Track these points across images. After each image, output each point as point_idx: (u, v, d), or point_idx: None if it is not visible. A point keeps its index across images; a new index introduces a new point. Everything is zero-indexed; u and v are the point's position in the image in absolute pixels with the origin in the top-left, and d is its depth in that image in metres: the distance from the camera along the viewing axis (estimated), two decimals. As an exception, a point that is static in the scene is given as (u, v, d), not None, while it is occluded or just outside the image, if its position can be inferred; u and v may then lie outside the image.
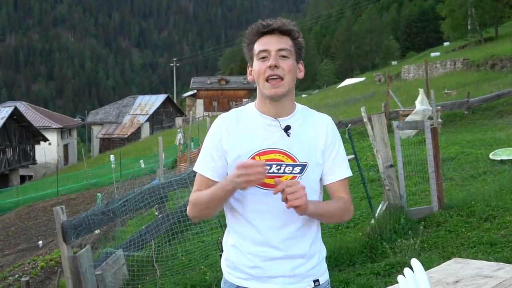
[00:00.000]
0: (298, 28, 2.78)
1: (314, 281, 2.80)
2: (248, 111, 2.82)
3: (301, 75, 2.80)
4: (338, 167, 2.81)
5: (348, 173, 2.84)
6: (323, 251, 2.89)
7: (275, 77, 2.66)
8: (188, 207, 2.85)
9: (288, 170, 2.69)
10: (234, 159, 2.69)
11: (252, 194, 2.69)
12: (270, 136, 2.71)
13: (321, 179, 2.81)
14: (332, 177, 2.80)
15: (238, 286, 2.79)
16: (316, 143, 2.77)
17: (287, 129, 2.72)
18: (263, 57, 2.69)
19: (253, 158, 2.68)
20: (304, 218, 2.73)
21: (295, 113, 2.78)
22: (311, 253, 2.79)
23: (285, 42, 2.71)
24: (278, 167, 2.68)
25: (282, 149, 2.70)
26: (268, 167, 2.65)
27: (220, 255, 2.94)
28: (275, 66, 2.65)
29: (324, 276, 2.86)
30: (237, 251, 2.78)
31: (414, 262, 2.26)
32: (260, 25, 2.72)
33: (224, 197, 2.67)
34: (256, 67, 2.72)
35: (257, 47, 2.72)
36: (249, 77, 2.82)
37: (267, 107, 2.74)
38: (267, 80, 2.68)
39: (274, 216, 2.71)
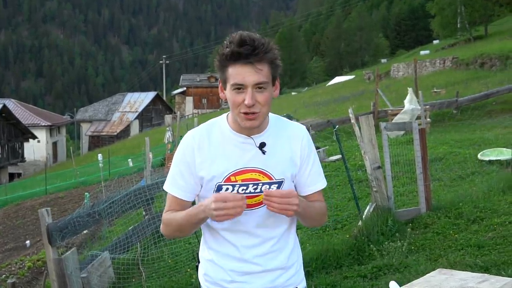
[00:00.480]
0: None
1: None
2: (220, 125, 2.69)
3: (276, 92, 2.62)
4: (316, 178, 2.80)
5: (324, 183, 2.84)
6: (300, 260, 2.89)
7: (251, 112, 2.51)
8: (161, 226, 2.79)
9: (265, 189, 2.63)
10: (208, 180, 2.62)
11: None
12: (245, 154, 2.63)
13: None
14: (311, 188, 2.79)
15: None
16: (292, 158, 2.71)
17: (262, 146, 2.64)
18: (238, 89, 2.49)
19: (228, 178, 2.61)
20: (282, 233, 2.75)
21: (269, 128, 2.68)
22: (289, 265, 2.79)
23: (262, 73, 2.48)
24: (255, 186, 2.63)
25: (258, 167, 2.63)
26: (245, 187, 2.61)
27: (197, 266, 2.89)
28: (253, 105, 2.49)
29: (302, 284, 2.87)
30: (215, 266, 2.75)
31: (392, 285, 2.23)
32: (235, 49, 2.45)
33: (198, 223, 2.64)
34: (230, 96, 2.53)
35: (232, 76, 2.49)
36: (220, 94, 2.65)
37: (240, 127, 2.61)
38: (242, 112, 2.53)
39: (252, 234, 2.69)
